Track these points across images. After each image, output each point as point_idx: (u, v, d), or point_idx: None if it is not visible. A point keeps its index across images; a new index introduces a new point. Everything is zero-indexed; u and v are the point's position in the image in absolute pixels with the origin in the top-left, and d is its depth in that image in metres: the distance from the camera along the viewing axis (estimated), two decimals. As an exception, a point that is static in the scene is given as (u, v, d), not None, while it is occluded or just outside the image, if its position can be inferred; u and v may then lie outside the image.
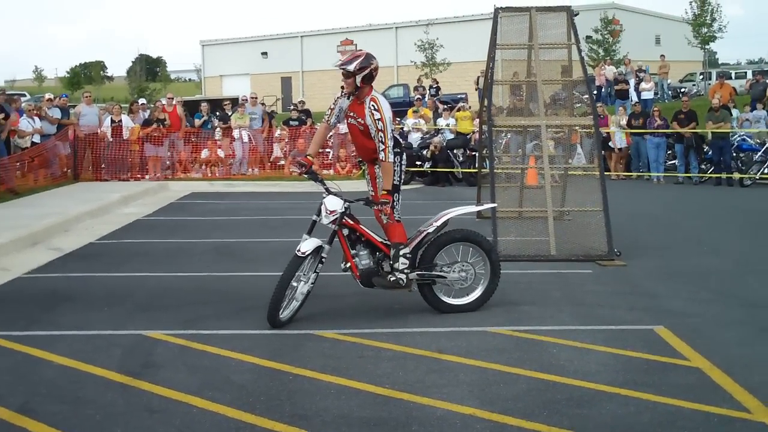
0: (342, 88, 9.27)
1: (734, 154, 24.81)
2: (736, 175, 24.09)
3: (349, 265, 9.17)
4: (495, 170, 14.15)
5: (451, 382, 7.16)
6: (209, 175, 26.02)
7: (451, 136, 26.51)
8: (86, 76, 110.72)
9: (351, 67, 8.97)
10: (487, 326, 8.92)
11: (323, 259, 8.94)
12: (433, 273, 9.34)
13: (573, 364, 7.65)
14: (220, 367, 7.57)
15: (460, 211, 9.69)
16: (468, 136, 26.13)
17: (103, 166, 25.07)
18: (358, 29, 70.77)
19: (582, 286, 11.04)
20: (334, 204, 8.96)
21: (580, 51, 14.68)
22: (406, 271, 9.14)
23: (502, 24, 14.96)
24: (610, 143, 26.67)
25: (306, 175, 9.30)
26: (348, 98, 9.25)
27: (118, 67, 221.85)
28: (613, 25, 56.52)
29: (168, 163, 26.00)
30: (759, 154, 24.39)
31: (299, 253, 8.74)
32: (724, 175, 24.28)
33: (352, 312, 9.53)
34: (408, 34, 62.19)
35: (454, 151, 25.47)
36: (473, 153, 24.08)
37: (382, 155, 8.96)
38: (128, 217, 17.76)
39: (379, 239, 9.27)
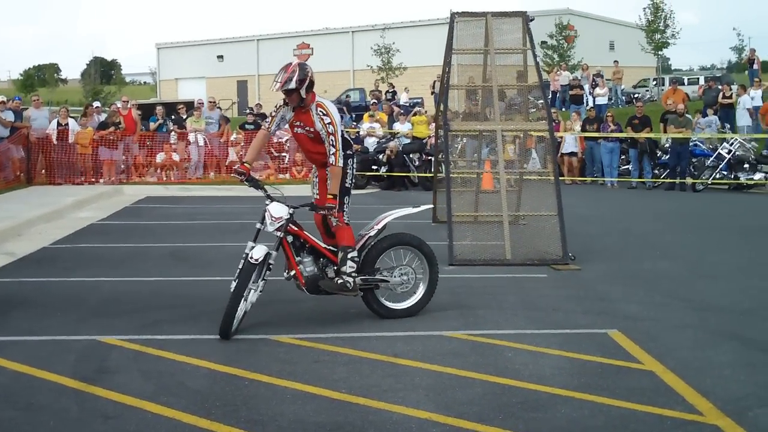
0: (284, 100, 9.19)
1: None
2: (689, 180, 24.37)
3: (293, 273, 9.08)
4: (450, 175, 14.21)
5: (407, 386, 7.17)
6: (164, 179, 25.87)
7: (407, 140, 26.58)
8: (40, 78, 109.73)
9: (293, 85, 8.90)
10: (442, 330, 8.94)
11: (270, 266, 8.86)
12: (376, 277, 9.32)
13: (528, 368, 7.69)
14: (176, 373, 7.54)
15: (399, 213, 9.64)
16: (424, 141, 26.23)
17: (44, 170, 24.75)
18: (315, 33, 70.87)
19: (537, 291, 11.11)
20: (278, 211, 8.87)
21: (535, 56, 14.79)
22: (353, 274, 9.13)
23: (458, 29, 15.06)
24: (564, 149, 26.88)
25: (246, 183, 9.20)
26: (292, 109, 9.19)
27: (72, 69, 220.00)
28: (568, 30, 56.99)
29: (123, 166, 25.82)
30: (711, 159, 24.70)
31: (252, 260, 8.64)
32: (677, 180, 24.56)
33: (308, 317, 9.51)
34: (364, 38, 62.31)
35: (410, 156, 25.52)
36: (429, 157, 24.17)
37: (332, 159, 8.94)
38: (82, 222, 17.61)
39: (324, 245, 9.25)
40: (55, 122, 25.06)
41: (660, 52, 52.13)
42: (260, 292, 8.87)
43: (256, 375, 7.43)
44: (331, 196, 8.93)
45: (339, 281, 9.09)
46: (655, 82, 51.69)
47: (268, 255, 8.77)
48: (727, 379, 7.36)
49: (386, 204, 20.21)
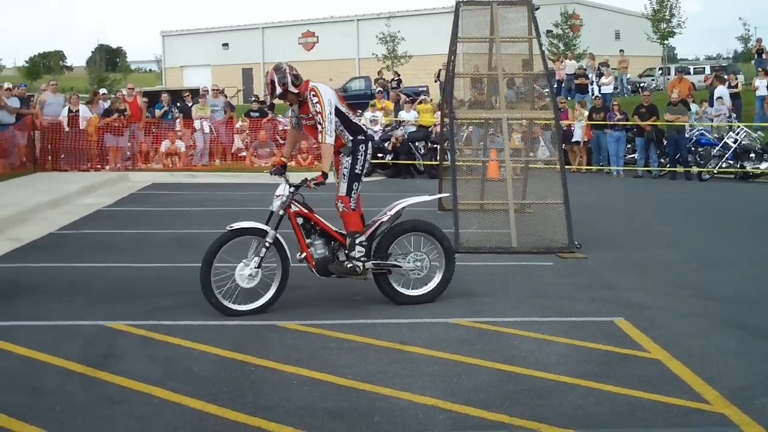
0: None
1: (692, 149, 25.12)
2: (695, 169, 24.36)
3: (304, 255, 9.20)
4: (456, 163, 14.21)
5: (413, 373, 7.19)
6: (170, 165, 25.85)
7: (413, 128, 26.56)
8: (45, 65, 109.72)
9: (279, 90, 9.17)
10: (449, 317, 8.96)
11: (267, 245, 8.96)
12: (389, 263, 9.36)
13: (534, 355, 7.70)
14: (182, 358, 7.55)
15: (413, 200, 9.71)
16: (429, 129, 26.21)
17: (62, 156, 24.82)
18: (320, 21, 70.68)
19: (543, 278, 11.12)
20: (280, 189, 9.09)
21: (540, 45, 14.77)
22: (362, 259, 9.19)
23: (464, 17, 15.03)
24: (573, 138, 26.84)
25: (272, 173, 9.52)
26: (298, 105, 9.36)
27: (77, 57, 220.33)
28: (573, 19, 56.85)
29: (128, 153, 25.81)
30: (717, 148, 24.65)
31: (228, 228, 8.90)
32: (681, 169, 24.54)
33: (315, 303, 9.52)
34: (370, 27, 62.17)
35: (416, 144, 25.50)
36: (434, 145, 24.15)
37: (319, 137, 9.02)
38: (88, 208, 17.62)
39: (335, 229, 9.31)
40: (66, 109, 25.02)
41: (666, 42, 52.01)
42: (256, 268, 8.96)
43: (263, 361, 7.45)
44: (321, 174, 8.95)
45: (348, 265, 9.16)
46: (660, 72, 51.59)
47: (259, 231, 8.94)
48: (733, 368, 7.37)
49: (392, 191, 20.24)
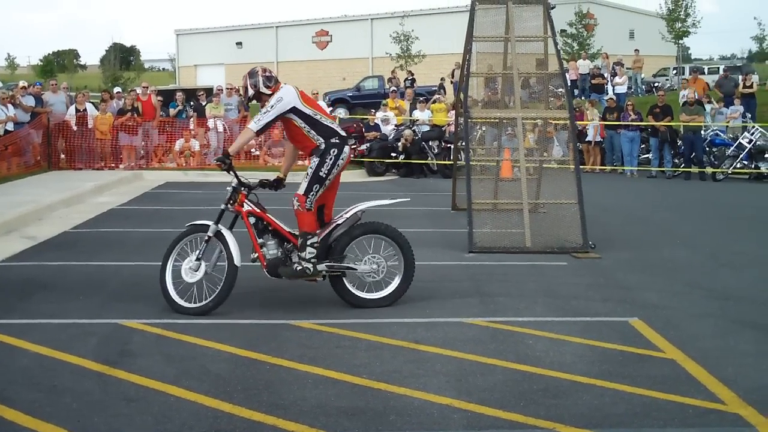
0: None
1: (707, 149, 25.04)
2: (709, 170, 24.29)
3: (256, 255, 9.23)
4: (470, 162, 14.20)
5: (428, 372, 7.19)
6: (184, 164, 25.89)
7: (427, 128, 26.55)
8: (59, 64, 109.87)
9: (251, 92, 9.42)
10: (463, 317, 8.95)
11: (206, 238, 9.21)
12: (342, 264, 9.25)
13: (549, 355, 7.69)
14: (197, 357, 7.57)
15: (372, 204, 9.49)
16: (443, 128, 26.20)
17: (62, 156, 24.80)
18: (333, 20, 70.64)
19: (557, 278, 11.10)
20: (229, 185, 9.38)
21: (556, 44, 14.75)
22: (312, 260, 9.11)
23: (479, 16, 15.02)
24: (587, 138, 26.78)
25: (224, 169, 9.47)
26: None
27: (91, 55, 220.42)
28: (588, 19, 56.69)
29: (142, 152, 25.86)
30: (731, 149, 24.58)
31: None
32: (695, 170, 24.48)
33: (328, 302, 9.51)
34: (383, 26, 62.04)
35: (429, 143, 25.48)
36: (448, 145, 24.14)
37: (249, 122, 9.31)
38: (102, 206, 17.68)
39: (288, 229, 9.29)
40: (73, 108, 25.07)
41: (680, 41, 51.80)
42: (194, 261, 9.22)
43: (278, 360, 7.46)
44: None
45: (298, 267, 9.11)
46: (675, 71, 51.40)
47: (201, 227, 9.34)
48: (749, 368, 7.34)
49: (404, 190, 20.28)
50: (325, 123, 9.28)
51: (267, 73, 9.36)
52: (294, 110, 9.12)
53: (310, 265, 9.08)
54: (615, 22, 63.19)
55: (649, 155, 26.04)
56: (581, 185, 13.34)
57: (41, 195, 17.80)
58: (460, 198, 16.36)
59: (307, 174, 9.16)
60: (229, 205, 9.31)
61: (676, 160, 25.41)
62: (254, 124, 9.10)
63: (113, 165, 25.00)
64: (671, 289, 10.49)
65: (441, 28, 57.06)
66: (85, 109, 25.14)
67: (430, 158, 25.27)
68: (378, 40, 62.91)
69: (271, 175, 9.73)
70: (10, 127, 22.91)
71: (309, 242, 9.08)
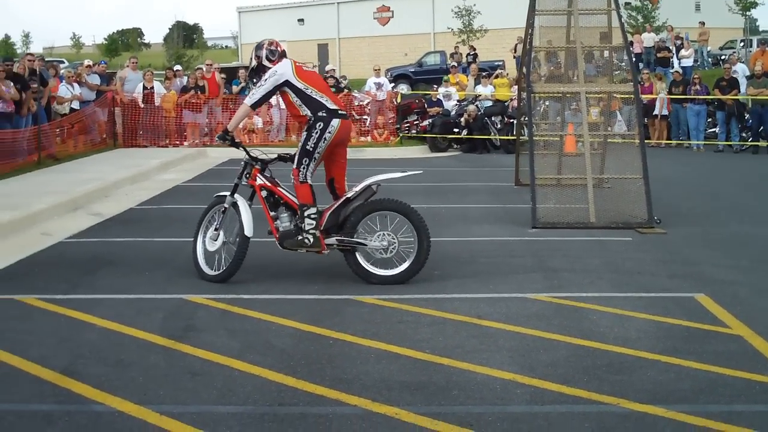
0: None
1: (776, 122, 24.59)
2: (777, 143, 23.88)
3: (270, 228, 9.44)
4: (533, 137, 14.11)
5: (490, 347, 7.17)
6: (247, 141, 26.00)
7: (489, 103, 26.42)
8: (123, 43, 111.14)
9: (254, 63, 9.70)
10: (526, 292, 8.91)
11: (223, 209, 9.53)
12: (353, 239, 9.22)
13: (613, 330, 7.63)
14: (261, 331, 7.63)
15: (383, 177, 9.43)
16: (506, 104, 26.04)
17: (140, 132, 25.11)
18: (395, -4, 70.42)
19: (621, 254, 11.00)
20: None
21: (620, 17, 14.55)
22: (312, 231, 9.16)
23: (541, -11, 14.86)
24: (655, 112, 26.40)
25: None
26: None
27: (155, 34, 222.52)
28: (653, -9, 55.86)
29: (206, 129, 26.04)
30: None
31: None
32: (763, 144, 24.06)
33: (391, 278, 9.52)
34: (445, 1, 61.72)
35: (492, 119, 25.34)
36: (511, 120, 24.00)
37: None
38: (167, 183, 17.87)
39: (297, 201, 9.38)
40: (141, 86, 25.32)
41: (748, 13, 50.86)
42: (216, 231, 9.56)
43: (341, 334, 7.49)
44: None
45: (298, 238, 9.21)
46: (742, 44, 50.49)
47: (215, 201, 9.71)
48: (817, 345, 7.23)
49: (467, 167, 20.21)
50: (314, 97, 9.26)
51: (272, 47, 9.53)
52: (287, 83, 9.24)
53: (310, 236, 9.18)
54: (681, -6, 62.18)
55: (716, 129, 25.62)
56: (646, 160, 13.18)
57: (107, 172, 18.01)
58: (523, 173, 16.25)
59: (298, 148, 9.30)
60: (243, 179, 9.57)
61: (744, 134, 24.98)
62: (249, 99, 9.31)
63: (177, 142, 25.22)
64: (738, 265, 10.34)
65: (503, 2, 56.54)
66: (153, 87, 25.36)
67: (492, 133, 25.12)
68: (439, 15, 62.59)
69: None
70: (75, 105, 23.21)
71: (306, 213, 9.20)
